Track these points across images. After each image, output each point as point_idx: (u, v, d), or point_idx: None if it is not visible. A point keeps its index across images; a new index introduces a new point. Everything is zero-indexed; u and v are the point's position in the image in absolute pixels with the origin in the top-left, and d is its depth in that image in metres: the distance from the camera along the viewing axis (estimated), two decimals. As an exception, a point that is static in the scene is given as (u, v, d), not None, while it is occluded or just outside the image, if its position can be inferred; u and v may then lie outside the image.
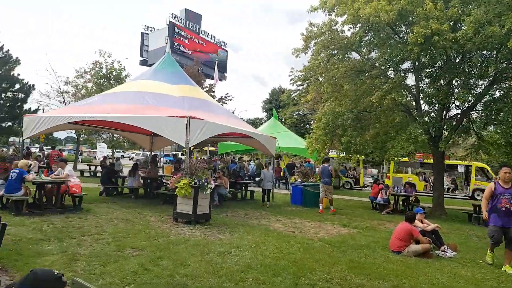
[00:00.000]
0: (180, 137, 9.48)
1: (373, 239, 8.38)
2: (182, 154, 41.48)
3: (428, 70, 13.25)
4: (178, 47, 44.22)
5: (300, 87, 40.24)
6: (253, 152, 22.66)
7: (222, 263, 5.68)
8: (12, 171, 8.42)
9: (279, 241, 7.35)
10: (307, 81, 37.01)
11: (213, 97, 22.34)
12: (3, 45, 20.69)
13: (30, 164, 10.52)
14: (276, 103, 45.09)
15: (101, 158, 26.27)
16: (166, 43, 42.00)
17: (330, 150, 15.30)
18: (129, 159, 38.23)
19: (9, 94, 21.60)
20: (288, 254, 6.44)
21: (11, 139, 37.53)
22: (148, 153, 16.36)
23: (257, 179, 19.76)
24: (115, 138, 20.46)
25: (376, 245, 7.70)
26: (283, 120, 37.07)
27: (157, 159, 16.60)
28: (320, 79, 13.59)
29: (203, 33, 46.38)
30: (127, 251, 6.14)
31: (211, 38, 47.08)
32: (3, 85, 20.72)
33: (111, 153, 25.26)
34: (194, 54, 41.96)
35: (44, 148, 24.43)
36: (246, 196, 14.61)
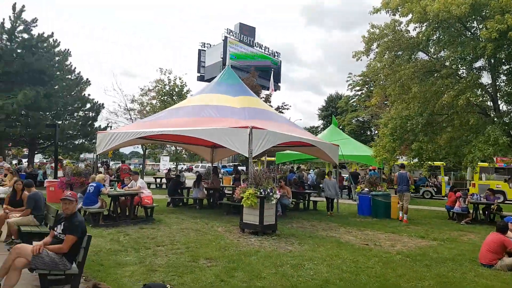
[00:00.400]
0: (243, 148, 9.48)
1: (458, 251, 7.61)
2: (239, 165, 42.11)
3: (506, 67, 12.05)
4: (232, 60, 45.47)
5: (359, 92, 39.06)
6: (311, 160, 22.19)
7: (298, 277, 5.45)
8: (89, 184, 8.96)
9: (354, 254, 6.93)
10: (366, 86, 35.91)
11: (270, 107, 22.35)
12: (75, 67, 22.51)
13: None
14: (333, 110, 44.09)
15: (165, 171, 27.51)
16: (222, 58, 43.47)
17: (399, 157, 14.40)
18: (183, 171, 39.50)
19: (81, 113, 23.31)
20: (367, 269, 6.01)
21: (82, 155, 40.80)
22: (208, 164, 16.68)
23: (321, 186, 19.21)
24: (177, 151, 21.25)
25: (463, 258, 6.97)
26: (341, 127, 36.12)
27: (218, 170, 16.88)
28: (385, 81, 12.91)
29: (256, 45, 47.27)
30: (202, 261, 6.15)
31: (264, 50, 47.79)
32: (76, 105, 22.42)
33: (175, 166, 26.37)
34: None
35: (111, 163, 26.14)
36: (308, 206, 14.23)
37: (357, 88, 38.50)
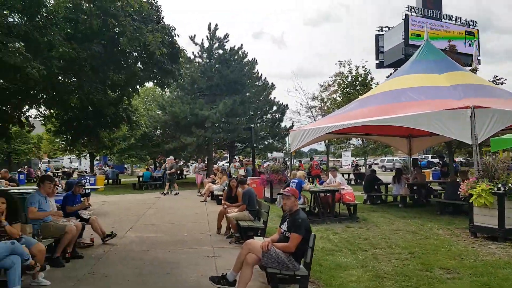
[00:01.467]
0: (462, 133, 7.65)
1: None
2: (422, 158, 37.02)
3: None
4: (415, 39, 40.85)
5: None
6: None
7: None
8: (292, 181, 8.96)
9: None
10: None
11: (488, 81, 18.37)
12: (261, 74, 24.20)
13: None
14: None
15: (348, 166, 26.80)
16: (403, 39, 39.41)
17: None
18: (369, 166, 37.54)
19: (268, 116, 24.92)
20: None
21: (270, 154, 44.32)
22: (394, 158, 14.76)
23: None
24: (365, 145, 20.12)
25: None
26: None
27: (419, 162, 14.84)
28: None
29: (445, 17, 40.83)
30: (437, 271, 4.99)
31: (456, 21, 40.81)
32: (264, 108, 24.02)
33: (363, 160, 25.32)
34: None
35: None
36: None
37: None
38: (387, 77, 16.86)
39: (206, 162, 25.16)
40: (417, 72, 10.72)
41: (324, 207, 8.97)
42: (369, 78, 18.83)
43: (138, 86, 8.27)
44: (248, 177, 15.28)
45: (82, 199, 7.02)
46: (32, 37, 5.42)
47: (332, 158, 55.76)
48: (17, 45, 5.32)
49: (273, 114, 24.81)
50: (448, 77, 9.97)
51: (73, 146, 14.59)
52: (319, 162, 24.76)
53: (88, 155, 22.58)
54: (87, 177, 11.79)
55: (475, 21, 42.82)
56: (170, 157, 16.10)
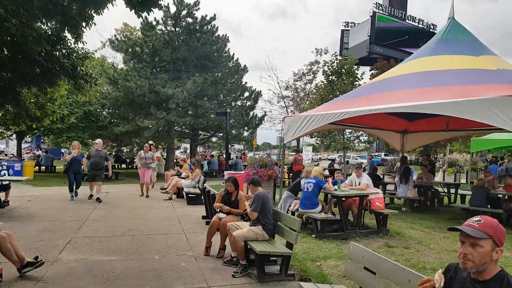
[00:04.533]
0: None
1: None
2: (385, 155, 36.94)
3: None
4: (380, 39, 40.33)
5: None
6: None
7: None
8: (305, 181, 6.54)
9: None
10: None
11: None
12: (233, 54, 21.46)
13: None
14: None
15: (308, 162, 24.63)
16: (369, 36, 38.84)
17: None
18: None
19: (238, 102, 22.32)
20: None
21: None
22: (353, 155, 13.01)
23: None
24: (346, 139, 18.12)
25: None
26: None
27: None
28: None
29: (409, 18, 40.90)
30: None
31: (418, 22, 41.00)
32: (236, 93, 21.41)
33: (339, 156, 23.42)
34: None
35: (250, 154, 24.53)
36: None
37: None
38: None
39: (159, 152, 21.86)
40: (446, 53, 8.83)
41: (344, 215, 6.67)
42: (355, 67, 17.04)
43: (94, 12, 4.98)
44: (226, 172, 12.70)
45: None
46: None
47: (291, 153, 54.50)
48: None
49: (244, 101, 22.24)
50: (487, 60, 8.19)
51: (16, 124, 10.35)
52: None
53: (14, 134, 18.39)
54: (4, 163, 8.32)
55: (436, 25, 43.33)
56: (98, 140, 10.56)
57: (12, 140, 23.68)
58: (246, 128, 21.95)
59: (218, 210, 5.33)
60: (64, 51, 6.08)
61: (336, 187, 6.46)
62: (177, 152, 29.39)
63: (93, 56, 6.77)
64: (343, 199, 6.51)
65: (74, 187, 9.75)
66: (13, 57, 5.54)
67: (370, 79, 18.93)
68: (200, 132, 22.33)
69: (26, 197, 10.04)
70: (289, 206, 6.90)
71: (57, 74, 6.29)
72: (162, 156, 20.86)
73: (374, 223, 6.91)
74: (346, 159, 19.90)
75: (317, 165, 21.23)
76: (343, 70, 16.91)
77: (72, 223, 7.04)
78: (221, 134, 21.61)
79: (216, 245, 5.27)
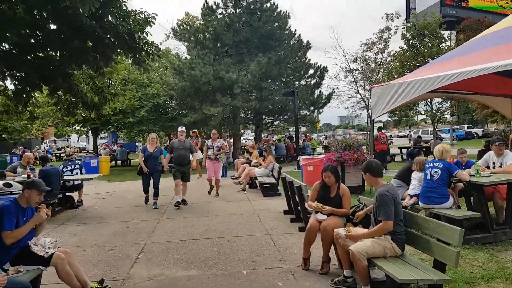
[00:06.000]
0: None
1: None
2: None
3: None
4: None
5: None
6: None
7: None
8: (429, 166, 4.81)
9: None
10: None
11: None
12: (295, 30, 19.92)
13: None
14: None
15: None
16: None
17: None
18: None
19: (302, 82, 20.77)
20: None
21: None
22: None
23: None
24: (434, 110, 15.52)
25: None
26: None
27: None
28: None
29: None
30: None
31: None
32: (300, 71, 19.88)
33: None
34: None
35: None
36: None
37: None
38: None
39: (226, 139, 21.07)
40: None
41: (487, 211, 4.95)
42: (441, 26, 14.49)
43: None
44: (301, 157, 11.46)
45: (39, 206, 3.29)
46: None
47: (357, 133, 51.18)
48: None
49: (309, 80, 20.62)
50: None
51: (71, 115, 9.41)
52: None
53: (90, 131, 19.01)
54: (77, 161, 7.93)
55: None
56: (181, 128, 9.37)
57: (89, 137, 24.85)
58: (312, 108, 20.40)
59: (315, 211, 4.11)
60: (116, 14, 5.05)
61: (473, 171, 4.80)
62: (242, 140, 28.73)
63: (153, 22, 5.64)
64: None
65: (153, 192, 7.82)
66: (59, 29, 4.76)
67: (456, 44, 16.10)
68: (264, 116, 21.30)
69: (101, 194, 9.80)
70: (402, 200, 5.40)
71: (111, 45, 5.31)
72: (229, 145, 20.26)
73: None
74: (420, 135, 17.32)
75: (390, 143, 19.01)
76: (426, 32, 14.45)
77: (146, 223, 6.36)
78: (286, 117, 20.32)
79: (314, 251, 4.10)
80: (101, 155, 16.50)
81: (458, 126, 37.98)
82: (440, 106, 15.22)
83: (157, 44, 5.97)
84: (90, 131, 19.22)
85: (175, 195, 7.76)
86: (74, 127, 19.74)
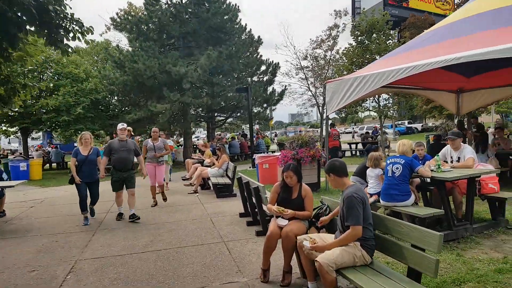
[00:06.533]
0: None
1: None
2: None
3: None
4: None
5: None
6: None
7: None
8: (390, 161, 4.52)
9: None
10: None
11: None
12: (245, 24, 19.54)
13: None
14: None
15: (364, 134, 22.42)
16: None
17: None
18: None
19: (255, 78, 20.46)
20: None
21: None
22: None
23: None
24: (381, 106, 15.99)
25: None
26: None
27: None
28: None
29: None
30: None
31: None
32: (252, 67, 19.53)
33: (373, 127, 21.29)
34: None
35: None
36: None
37: None
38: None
39: (174, 138, 20.18)
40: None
41: (449, 207, 4.80)
42: (387, 23, 14.86)
43: None
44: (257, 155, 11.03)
45: None
46: None
47: (308, 129, 52.15)
48: None
49: (261, 76, 20.30)
50: None
51: None
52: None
53: (19, 132, 17.05)
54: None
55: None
56: (121, 124, 7.19)
57: (17, 138, 22.48)
58: (265, 105, 20.15)
59: (276, 215, 3.66)
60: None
61: (434, 167, 4.63)
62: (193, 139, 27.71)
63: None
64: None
65: (89, 203, 6.39)
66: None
67: (402, 41, 16.69)
68: (216, 114, 20.64)
69: (29, 202, 8.61)
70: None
71: (15, 20, 4.20)
72: (179, 144, 19.26)
73: (480, 211, 5.13)
74: (367, 131, 17.86)
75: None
76: (374, 29, 14.72)
77: (78, 236, 5.51)
78: (239, 114, 19.84)
79: (274, 257, 3.66)
80: (32, 157, 14.81)
81: (400, 122, 40.04)
82: (387, 102, 15.70)
83: (78, 18, 4.84)
84: (20, 132, 17.24)
85: (117, 206, 6.57)
86: (0, 127, 17.61)
